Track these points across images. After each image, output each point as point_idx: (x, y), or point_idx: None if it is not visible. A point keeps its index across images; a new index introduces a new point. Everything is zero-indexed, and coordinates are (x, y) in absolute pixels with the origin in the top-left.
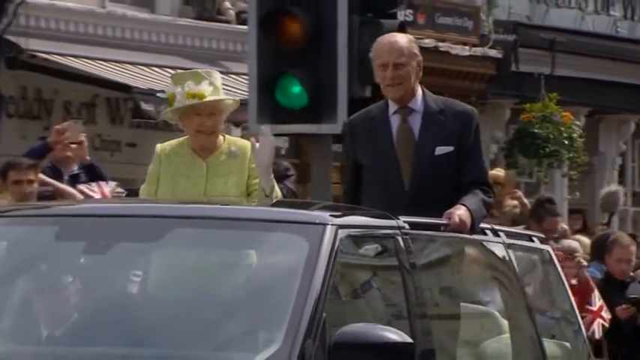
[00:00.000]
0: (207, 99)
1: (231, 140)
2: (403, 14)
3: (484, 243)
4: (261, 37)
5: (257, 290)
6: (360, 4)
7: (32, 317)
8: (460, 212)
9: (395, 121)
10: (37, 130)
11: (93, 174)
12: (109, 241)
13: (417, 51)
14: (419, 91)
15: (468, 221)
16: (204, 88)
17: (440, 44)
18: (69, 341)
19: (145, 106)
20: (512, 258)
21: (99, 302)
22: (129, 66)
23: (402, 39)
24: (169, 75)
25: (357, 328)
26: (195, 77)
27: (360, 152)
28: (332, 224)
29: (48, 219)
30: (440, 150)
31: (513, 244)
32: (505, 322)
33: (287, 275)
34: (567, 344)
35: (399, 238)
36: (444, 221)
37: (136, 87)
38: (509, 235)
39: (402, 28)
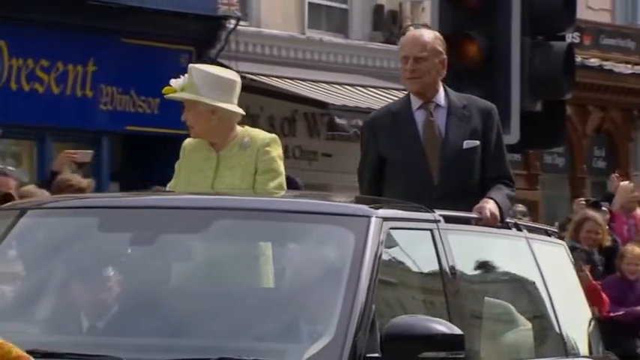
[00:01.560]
0: (168, 95)
1: (248, 131)
2: (571, 36)
3: (510, 237)
4: None
5: (305, 282)
6: (532, 28)
7: (75, 308)
8: (490, 206)
9: (420, 116)
10: None
11: None
12: (153, 233)
13: (441, 48)
14: (441, 87)
15: (498, 215)
16: (176, 84)
17: (604, 63)
18: (113, 331)
19: (339, 121)
20: (534, 251)
21: (146, 293)
22: (325, 85)
23: (428, 35)
24: (361, 92)
25: (408, 320)
26: (187, 71)
27: (384, 147)
28: (376, 216)
29: (91, 210)
30: (467, 144)
31: (534, 238)
32: (527, 314)
33: (335, 267)
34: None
35: (436, 231)
36: (475, 215)
37: (332, 103)
38: (529, 229)
39: (570, 49)
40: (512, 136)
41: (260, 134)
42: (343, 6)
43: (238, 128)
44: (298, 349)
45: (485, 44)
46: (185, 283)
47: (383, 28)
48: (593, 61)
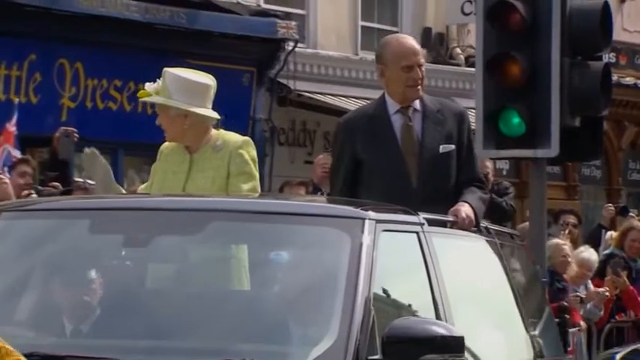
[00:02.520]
0: (142, 98)
1: (221, 134)
2: (607, 57)
3: (484, 240)
4: (487, 77)
5: (303, 284)
6: (571, 49)
7: (65, 310)
8: (465, 209)
9: (397, 120)
10: (303, 156)
11: None
12: (147, 235)
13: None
14: None
15: (473, 218)
16: (150, 88)
17: (639, 82)
18: (112, 334)
19: None
20: (503, 254)
21: (143, 296)
22: None
23: (415, 41)
24: None
25: (409, 323)
26: (162, 75)
27: (360, 149)
28: (369, 218)
29: (83, 212)
30: (444, 148)
31: (502, 242)
32: (502, 315)
33: (333, 269)
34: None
35: (422, 234)
36: (451, 218)
37: None
38: (497, 232)
39: (606, 68)
40: (553, 150)
41: (233, 137)
42: (394, 28)
43: (213, 132)
44: (301, 352)
45: (527, 64)
46: (182, 286)
47: (431, 49)
48: (629, 80)
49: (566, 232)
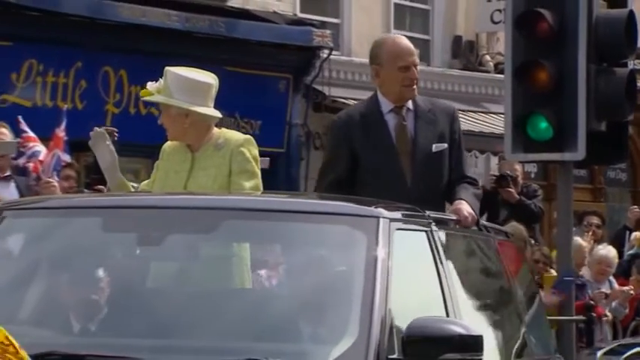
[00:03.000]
0: (144, 97)
1: (222, 133)
2: (632, 63)
3: (483, 237)
4: (515, 83)
5: (321, 283)
6: (596, 56)
7: (73, 308)
8: (466, 207)
9: (391, 119)
10: None
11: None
12: (160, 233)
13: None
14: None
15: (474, 216)
16: (152, 87)
17: None
18: (133, 332)
19: None
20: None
21: (162, 295)
22: None
23: (409, 41)
24: None
25: (429, 322)
26: (163, 74)
27: (357, 148)
28: (383, 217)
29: (97, 210)
30: (436, 147)
31: (497, 238)
32: (503, 313)
33: (350, 268)
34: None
35: (429, 232)
36: (454, 217)
37: None
38: (493, 230)
39: (631, 74)
40: (579, 153)
41: (235, 135)
42: (425, 37)
43: (215, 130)
44: (322, 351)
45: (555, 71)
46: (198, 285)
47: (461, 57)
48: None
49: (590, 233)
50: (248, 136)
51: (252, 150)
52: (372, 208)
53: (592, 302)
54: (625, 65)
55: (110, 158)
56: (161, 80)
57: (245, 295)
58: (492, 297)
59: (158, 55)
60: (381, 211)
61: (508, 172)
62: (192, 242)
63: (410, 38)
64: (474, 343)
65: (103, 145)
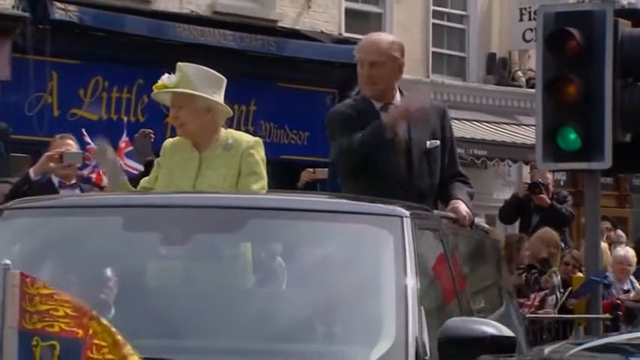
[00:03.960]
0: (163, 90)
1: (231, 133)
2: None
3: (477, 234)
4: (546, 97)
5: (352, 282)
6: (622, 71)
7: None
8: (464, 207)
9: (384, 117)
10: None
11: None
12: (183, 233)
13: (397, 54)
14: (397, 89)
15: (471, 216)
16: (168, 80)
17: None
18: (174, 334)
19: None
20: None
21: (192, 295)
22: None
23: (385, 39)
24: (477, 126)
25: (464, 323)
26: (177, 69)
27: None
28: (405, 216)
29: (119, 209)
30: (430, 144)
31: (487, 235)
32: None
33: (381, 268)
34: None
35: (440, 231)
36: (452, 215)
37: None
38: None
39: None
40: (606, 162)
41: (244, 137)
42: (461, 54)
43: (222, 130)
44: (363, 352)
45: (583, 85)
46: (231, 285)
47: (495, 73)
48: None
49: (604, 236)
50: (258, 138)
51: (261, 152)
52: (395, 207)
53: (618, 301)
54: None
55: (114, 168)
56: (172, 75)
57: (276, 295)
58: (488, 291)
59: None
60: (403, 210)
61: (540, 180)
62: (219, 242)
63: (447, 55)
64: (508, 344)
65: (107, 157)
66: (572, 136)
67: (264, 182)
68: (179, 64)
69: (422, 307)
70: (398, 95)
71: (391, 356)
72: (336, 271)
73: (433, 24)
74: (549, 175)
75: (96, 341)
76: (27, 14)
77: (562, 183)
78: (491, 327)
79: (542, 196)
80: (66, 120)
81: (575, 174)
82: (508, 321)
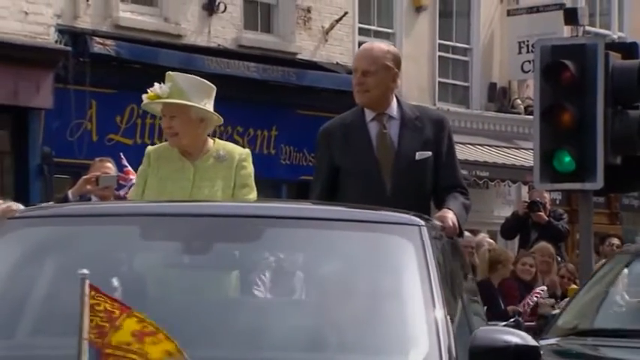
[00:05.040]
0: (157, 101)
1: (222, 144)
2: None
3: (455, 241)
4: (543, 123)
5: (379, 291)
6: (612, 100)
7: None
8: (451, 216)
9: (373, 127)
10: None
11: None
12: (203, 242)
13: (391, 63)
14: (394, 99)
15: (457, 225)
16: (160, 90)
17: None
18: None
19: (462, 171)
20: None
21: (212, 305)
22: None
23: (379, 48)
24: (479, 150)
25: (493, 333)
26: (167, 78)
27: (337, 156)
28: (423, 225)
29: (135, 218)
30: (420, 155)
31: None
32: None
33: (406, 276)
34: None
35: (441, 240)
36: (440, 224)
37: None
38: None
39: None
40: (598, 183)
41: (236, 149)
42: (465, 84)
43: (210, 140)
44: None
45: (577, 113)
46: (254, 294)
47: (496, 101)
48: None
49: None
50: (248, 150)
51: (251, 164)
52: (412, 217)
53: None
54: (637, 108)
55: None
56: (163, 85)
57: (303, 305)
58: (465, 296)
59: (239, 100)
60: (419, 219)
61: (538, 199)
62: (240, 250)
63: (452, 85)
64: (534, 354)
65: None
66: (567, 159)
67: (255, 194)
68: (169, 73)
69: (448, 316)
70: (395, 105)
71: None
72: (361, 280)
73: (439, 56)
74: (546, 195)
75: (108, 351)
76: (69, 48)
77: (558, 202)
78: (517, 336)
79: (540, 213)
80: (104, 144)
81: (570, 194)
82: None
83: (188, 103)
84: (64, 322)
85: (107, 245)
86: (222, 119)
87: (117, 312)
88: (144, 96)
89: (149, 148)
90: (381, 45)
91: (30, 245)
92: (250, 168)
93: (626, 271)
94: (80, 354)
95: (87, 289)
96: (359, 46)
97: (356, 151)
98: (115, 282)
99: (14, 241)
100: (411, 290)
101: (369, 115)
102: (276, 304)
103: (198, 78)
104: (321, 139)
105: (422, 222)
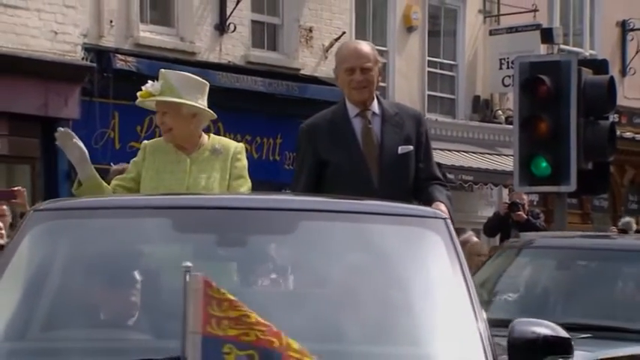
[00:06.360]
0: (149, 98)
1: (216, 139)
2: (612, 117)
3: None
4: (521, 132)
5: (418, 285)
6: (585, 111)
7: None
8: (444, 209)
9: (357, 123)
10: None
11: None
12: (239, 234)
13: (379, 58)
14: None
15: (450, 218)
16: (152, 88)
17: (636, 136)
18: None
19: (449, 176)
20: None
21: (245, 297)
22: (439, 151)
23: (366, 46)
24: (464, 156)
25: (530, 325)
26: (160, 76)
27: (323, 151)
28: (446, 218)
29: (169, 211)
30: (402, 149)
31: None
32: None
33: (440, 269)
34: None
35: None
36: None
37: (444, 163)
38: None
39: (612, 126)
40: (571, 186)
41: (231, 142)
42: (452, 96)
43: (204, 135)
44: (443, 354)
45: (552, 123)
46: (294, 287)
47: (479, 111)
48: (628, 134)
49: None
50: (242, 144)
51: (245, 157)
52: (435, 210)
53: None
54: (607, 119)
55: (78, 153)
56: (156, 82)
57: (343, 296)
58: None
59: (247, 111)
60: (442, 212)
61: (517, 200)
62: (275, 243)
63: (439, 98)
64: (568, 346)
65: (71, 142)
66: (544, 164)
67: (249, 185)
68: (162, 70)
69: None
70: (376, 101)
71: (472, 357)
72: (398, 273)
73: (428, 72)
74: (525, 197)
75: (290, 353)
76: (94, 65)
77: (535, 203)
78: (549, 329)
79: (519, 213)
80: (125, 151)
81: (546, 195)
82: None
83: (178, 100)
84: (114, 314)
85: (140, 237)
86: (215, 114)
87: (244, 309)
88: (138, 94)
89: (145, 141)
90: (365, 42)
91: (61, 237)
92: (245, 161)
93: (510, 263)
94: (186, 348)
95: (196, 283)
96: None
97: (342, 145)
98: (137, 275)
99: (46, 233)
100: (448, 282)
101: (352, 111)
102: (312, 296)
103: (191, 75)
104: (305, 135)
105: (442, 215)
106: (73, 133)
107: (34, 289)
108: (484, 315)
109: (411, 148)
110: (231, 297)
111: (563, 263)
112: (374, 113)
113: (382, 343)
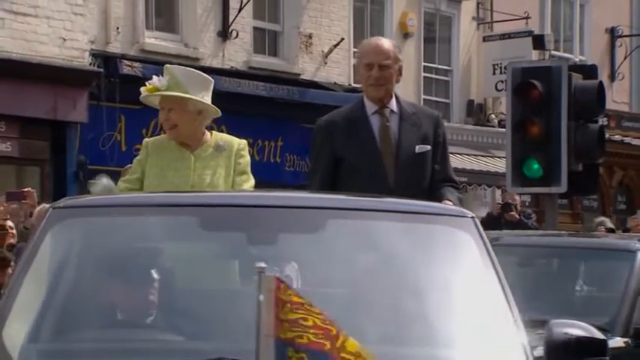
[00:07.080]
0: (155, 93)
1: (219, 136)
2: (601, 120)
3: None
4: (514, 135)
5: (453, 284)
6: (575, 115)
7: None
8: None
9: (375, 120)
10: None
11: None
12: (267, 232)
13: (399, 56)
14: (394, 94)
15: None
16: (159, 83)
17: (624, 138)
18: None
19: None
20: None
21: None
22: None
23: (387, 43)
24: (459, 158)
25: (567, 327)
26: (165, 71)
27: (340, 148)
28: (474, 217)
29: (195, 209)
30: (420, 149)
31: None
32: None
33: (474, 267)
34: None
35: None
36: None
37: None
38: None
39: (601, 129)
40: (562, 187)
41: (234, 139)
42: (447, 100)
43: (207, 132)
44: (482, 355)
45: (544, 126)
46: (327, 287)
47: (473, 115)
48: (617, 137)
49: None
50: (245, 141)
51: (248, 154)
52: (462, 208)
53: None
54: (596, 122)
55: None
56: (162, 77)
57: (377, 296)
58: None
59: (249, 115)
60: (468, 211)
61: (510, 200)
62: (305, 242)
63: (435, 102)
64: (604, 348)
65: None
66: (535, 166)
67: (253, 181)
68: (167, 66)
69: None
70: (394, 99)
71: (512, 356)
72: (432, 272)
73: (424, 77)
74: (517, 197)
75: (343, 355)
76: (101, 70)
77: (527, 203)
78: (585, 330)
79: (512, 213)
80: (131, 153)
81: (538, 196)
82: None
83: (186, 95)
84: (140, 313)
85: (168, 235)
86: (219, 112)
87: (318, 312)
88: (142, 89)
89: (146, 139)
90: (386, 39)
91: (86, 236)
92: (248, 157)
93: None
94: (260, 352)
95: (271, 284)
96: (354, 69)
97: (360, 143)
98: (155, 274)
99: (70, 231)
100: (483, 281)
101: (370, 108)
102: (342, 296)
103: (196, 71)
104: (321, 131)
105: (469, 213)
106: (110, 185)
107: (61, 289)
108: (518, 313)
109: (429, 147)
110: (298, 299)
111: (525, 260)
112: (392, 111)
113: (425, 344)
